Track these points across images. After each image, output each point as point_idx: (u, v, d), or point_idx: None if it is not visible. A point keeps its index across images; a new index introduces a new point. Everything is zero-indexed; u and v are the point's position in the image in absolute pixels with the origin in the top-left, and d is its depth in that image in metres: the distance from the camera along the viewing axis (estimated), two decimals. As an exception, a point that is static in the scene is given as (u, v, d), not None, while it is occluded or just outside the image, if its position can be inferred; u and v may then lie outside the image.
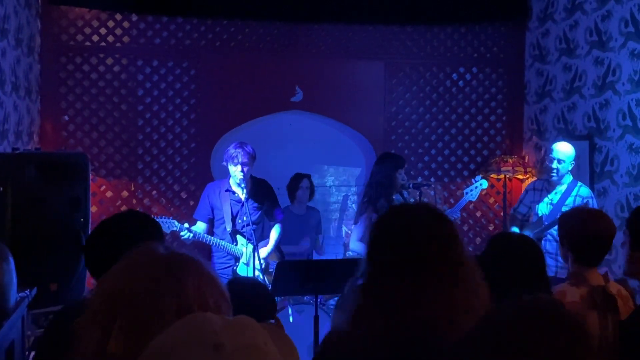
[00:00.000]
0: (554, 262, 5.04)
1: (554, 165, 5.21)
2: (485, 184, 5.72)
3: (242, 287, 3.12)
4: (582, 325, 1.31)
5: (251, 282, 3.55)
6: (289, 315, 5.14)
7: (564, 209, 5.13)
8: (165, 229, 5.14)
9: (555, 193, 5.29)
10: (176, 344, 0.96)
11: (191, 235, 5.17)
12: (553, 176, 5.24)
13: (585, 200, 5.14)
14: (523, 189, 6.05)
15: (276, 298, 4.92)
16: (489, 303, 1.78)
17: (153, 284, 1.32)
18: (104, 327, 1.28)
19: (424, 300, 1.72)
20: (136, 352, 1.09)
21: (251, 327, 1.00)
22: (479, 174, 6.82)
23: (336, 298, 5.96)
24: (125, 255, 1.42)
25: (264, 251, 5.41)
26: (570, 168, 5.27)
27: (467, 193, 5.72)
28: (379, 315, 1.75)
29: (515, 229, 5.45)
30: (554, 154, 5.23)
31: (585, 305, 2.79)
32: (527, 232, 5.30)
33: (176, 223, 5.14)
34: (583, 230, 3.02)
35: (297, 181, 6.30)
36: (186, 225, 5.20)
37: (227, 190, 5.38)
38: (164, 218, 5.21)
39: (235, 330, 0.98)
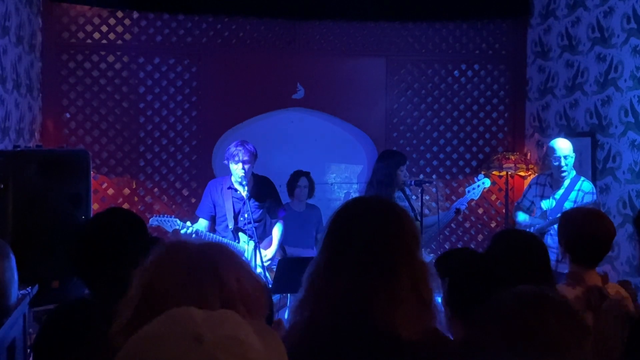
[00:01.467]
0: (555, 256, 5.05)
1: (563, 163, 5.20)
2: (487, 182, 5.71)
3: None
4: (573, 311, 1.37)
5: None
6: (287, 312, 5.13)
7: (567, 204, 5.14)
8: (168, 227, 5.16)
9: (559, 188, 5.29)
10: (157, 335, 0.96)
11: (193, 233, 5.18)
12: (564, 175, 5.24)
13: (587, 195, 5.15)
14: (525, 186, 6.04)
15: (278, 295, 4.97)
16: (432, 303, 1.83)
17: (195, 282, 1.32)
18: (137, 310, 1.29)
19: (358, 292, 1.79)
20: None
21: (232, 320, 1.00)
22: (481, 171, 6.81)
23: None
24: (158, 250, 1.42)
25: (268, 252, 5.42)
26: (573, 161, 5.29)
27: (469, 191, 5.72)
28: (315, 304, 1.83)
29: (521, 215, 5.44)
30: (559, 153, 5.21)
31: (579, 306, 2.76)
32: (533, 221, 5.31)
33: (178, 221, 5.15)
34: (580, 232, 3.00)
35: (296, 179, 6.27)
36: (188, 223, 5.21)
37: (229, 188, 5.38)
38: (166, 217, 5.22)
39: (216, 322, 0.98)
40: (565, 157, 5.21)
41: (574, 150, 5.35)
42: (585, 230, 2.98)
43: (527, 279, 2.54)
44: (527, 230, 5.20)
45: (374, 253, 1.82)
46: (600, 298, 2.77)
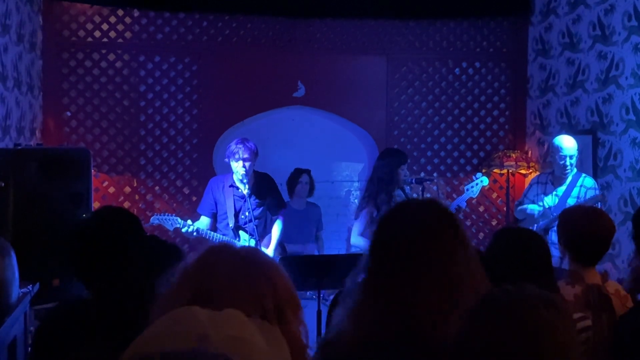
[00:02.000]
0: (559, 253, 5.08)
1: (568, 162, 5.21)
2: (486, 181, 5.71)
3: None
4: (567, 311, 1.39)
5: None
6: None
7: (569, 200, 5.15)
8: (169, 226, 5.16)
9: (561, 185, 5.30)
10: (162, 335, 0.95)
11: (194, 232, 5.17)
12: (568, 173, 5.25)
13: (589, 190, 5.17)
14: (526, 184, 6.04)
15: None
16: None
17: (252, 284, 1.34)
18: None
19: (419, 299, 1.69)
20: None
21: (237, 319, 1.00)
22: (481, 169, 6.81)
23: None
24: (203, 253, 1.43)
25: (268, 251, 5.41)
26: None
27: (467, 190, 5.72)
28: (376, 312, 1.73)
29: (532, 205, 5.43)
30: (565, 152, 5.21)
31: (579, 305, 2.76)
32: (536, 221, 5.32)
33: (179, 220, 5.15)
34: (579, 230, 2.98)
35: (297, 176, 6.29)
36: (189, 222, 5.20)
37: (230, 186, 5.38)
38: (167, 215, 5.22)
39: (221, 322, 0.97)
40: (570, 156, 5.21)
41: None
42: (585, 229, 2.96)
43: (527, 277, 2.54)
44: (532, 225, 5.24)
45: (433, 262, 1.73)
46: (600, 297, 2.76)
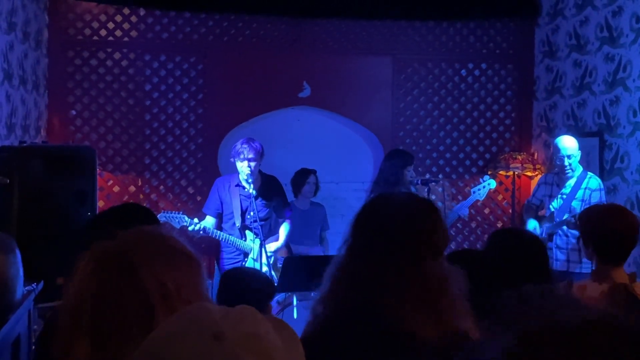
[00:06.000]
0: (565, 256, 5.08)
1: (566, 162, 5.20)
2: (493, 184, 5.70)
3: (240, 274, 3.42)
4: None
5: (246, 270, 3.79)
6: (294, 310, 5.11)
7: (574, 203, 5.15)
8: (175, 224, 5.15)
9: (566, 186, 5.30)
10: (175, 334, 0.93)
11: (201, 230, 5.17)
12: (568, 173, 5.25)
13: (594, 192, 5.16)
14: (532, 186, 6.03)
15: (283, 294, 4.95)
16: (462, 303, 1.78)
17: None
18: None
19: (385, 290, 1.75)
20: None
21: (251, 316, 0.98)
22: (487, 171, 6.79)
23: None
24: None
25: (272, 246, 5.41)
26: (579, 158, 5.27)
27: (474, 192, 5.71)
28: (331, 301, 1.82)
29: (532, 222, 5.42)
30: (564, 152, 5.21)
31: (604, 302, 2.75)
32: (543, 225, 5.32)
33: (186, 218, 5.16)
34: (604, 228, 2.97)
35: (304, 176, 6.27)
36: (196, 220, 5.20)
37: (237, 185, 5.38)
38: (174, 213, 5.22)
39: (235, 319, 0.95)
40: (569, 156, 5.20)
41: (582, 151, 5.34)
42: (608, 227, 2.95)
43: (523, 276, 2.52)
44: (540, 228, 5.25)
45: (392, 250, 1.80)
46: (627, 296, 2.73)
